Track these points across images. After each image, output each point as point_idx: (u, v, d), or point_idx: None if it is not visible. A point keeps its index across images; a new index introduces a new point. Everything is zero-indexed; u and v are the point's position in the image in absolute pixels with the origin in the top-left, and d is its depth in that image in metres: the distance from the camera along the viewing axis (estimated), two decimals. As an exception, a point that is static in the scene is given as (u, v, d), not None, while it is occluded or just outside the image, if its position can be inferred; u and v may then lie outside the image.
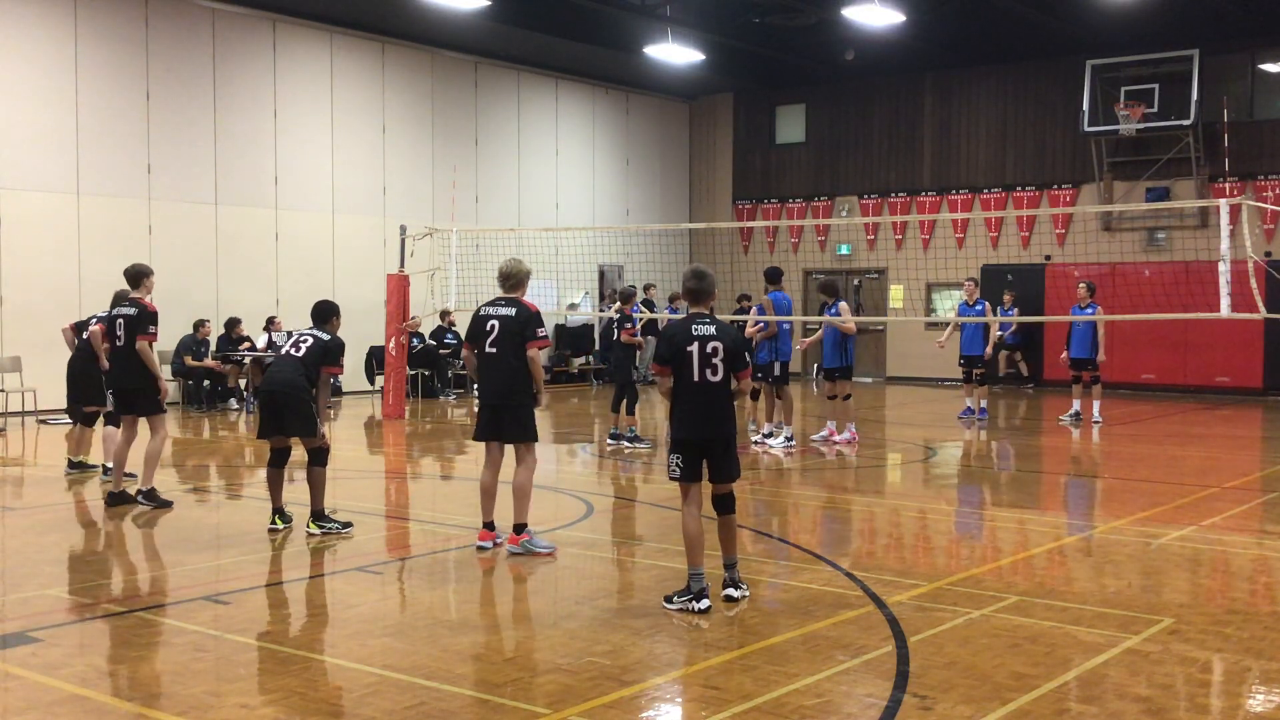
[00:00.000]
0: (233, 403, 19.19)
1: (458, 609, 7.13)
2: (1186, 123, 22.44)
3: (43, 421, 16.91)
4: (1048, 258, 24.49)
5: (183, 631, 6.39)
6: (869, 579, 7.51)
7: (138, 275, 10.59)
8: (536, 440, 8.38)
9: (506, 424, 8.28)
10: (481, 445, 8.53)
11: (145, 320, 10.28)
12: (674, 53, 22.95)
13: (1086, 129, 23.45)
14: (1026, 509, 10.78)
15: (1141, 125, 22.82)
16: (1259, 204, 19.36)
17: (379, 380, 19.96)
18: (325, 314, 9.30)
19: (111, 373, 10.65)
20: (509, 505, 8.31)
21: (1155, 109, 22.77)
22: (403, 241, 18.57)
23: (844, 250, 27.30)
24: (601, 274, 26.20)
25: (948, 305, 25.48)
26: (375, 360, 20.74)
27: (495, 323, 8.27)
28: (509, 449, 8.44)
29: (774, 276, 14.86)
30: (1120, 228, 24.05)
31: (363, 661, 5.84)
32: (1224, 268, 13.16)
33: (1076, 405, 17.53)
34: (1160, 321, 20.93)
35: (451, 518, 9.86)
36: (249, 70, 20.49)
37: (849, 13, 20.73)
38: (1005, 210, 25.20)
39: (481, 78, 24.35)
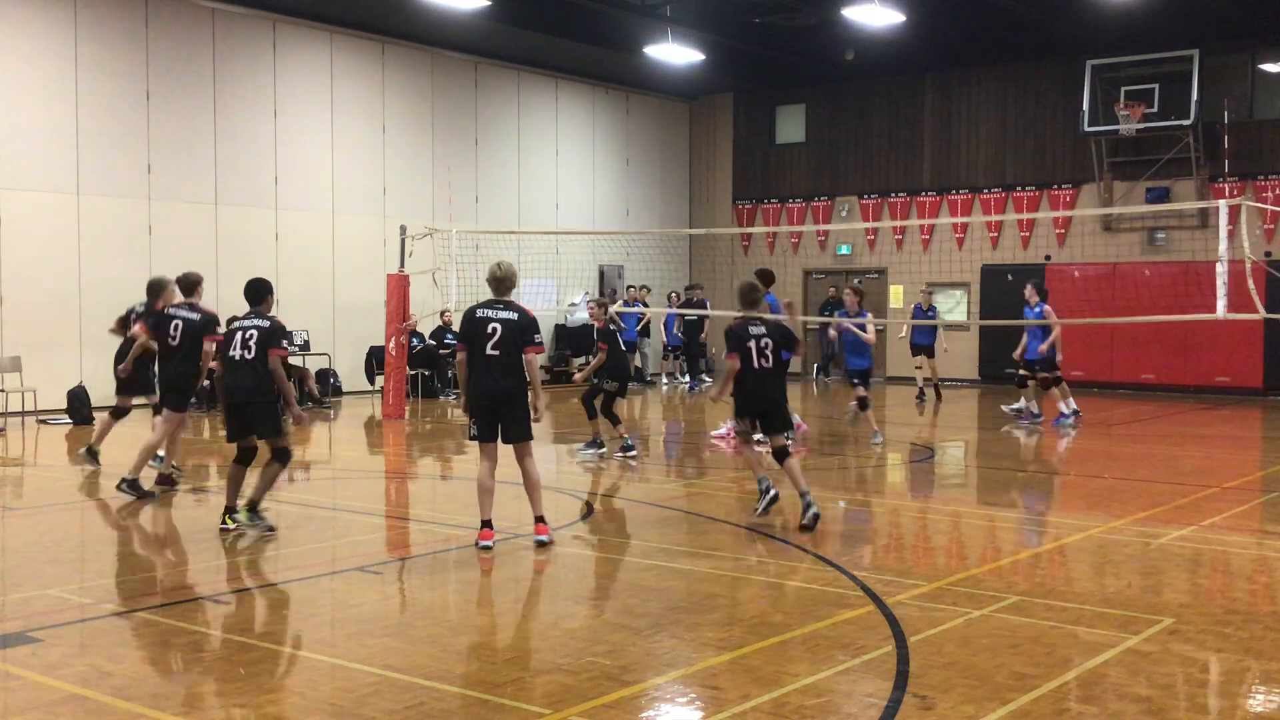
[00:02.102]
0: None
1: (458, 609, 7.14)
2: (1186, 123, 22.43)
3: (43, 421, 16.90)
4: (1048, 258, 24.50)
5: (183, 631, 6.39)
6: (869, 579, 7.51)
7: (184, 283, 10.52)
8: (532, 439, 8.57)
9: (508, 425, 8.43)
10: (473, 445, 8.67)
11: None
12: (674, 53, 22.95)
13: (1086, 129, 23.44)
14: (1026, 509, 10.78)
15: (1141, 125, 22.81)
16: (1259, 204, 19.37)
17: (379, 380, 19.96)
18: (260, 293, 9.16)
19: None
20: (499, 506, 8.30)
21: (1155, 109, 22.74)
22: (403, 241, 18.57)
23: (844, 250, 27.29)
24: (601, 274, 26.20)
25: (947, 306, 25.49)
26: (375, 360, 20.76)
27: (497, 325, 8.34)
28: (504, 447, 8.54)
29: (768, 280, 14.96)
30: (1120, 228, 24.04)
31: (363, 661, 5.84)
32: (1221, 268, 13.15)
33: (1025, 403, 17.48)
34: (1160, 321, 20.94)
35: (451, 518, 9.86)
36: (249, 70, 20.48)
37: (849, 13, 20.72)
38: (1005, 211, 25.20)
39: (481, 78, 24.35)
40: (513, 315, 8.40)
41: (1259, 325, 18.96)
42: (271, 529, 8.95)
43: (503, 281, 8.62)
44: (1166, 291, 20.43)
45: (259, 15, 20.55)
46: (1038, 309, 16.99)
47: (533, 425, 8.50)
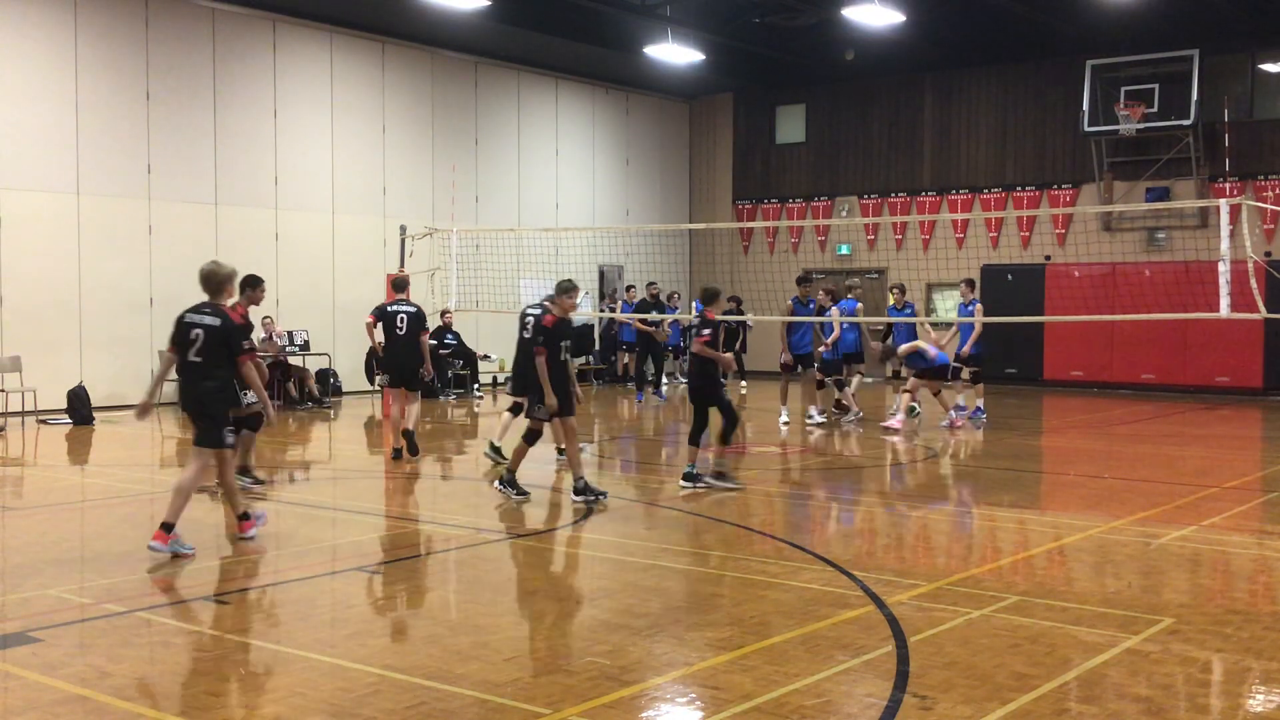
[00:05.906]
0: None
1: (458, 609, 7.13)
2: (1186, 123, 22.43)
3: (43, 421, 16.90)
4: (1048, 258, 24.50)
5: (183, 631, 6.38)
6: (869, 579, 7.51)
7: (401, 283, 13.53)
8: (223, 448, 8.29)
9: (201, 430, 8.28)
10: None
11: (422, 319, 13.10)
12: (674, 53, 22.95)
13: (1086, 129, 23.44)
14: (1026, 509, 10.78)
15: (1141, 125, 22.82)
16: (1259, 204, 19.37)
17: (379, 380, 19.94)
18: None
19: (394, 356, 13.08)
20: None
21: (1155, 109, 22.76)
22: (403, 241, 18.55)
23: (844, 250, 27.30)
24: (601, 274, 26.20)
25: (948, 305, 25.48)
26: (375, 360, 20.72)
27: (200, 331, 8.09)
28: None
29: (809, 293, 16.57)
30: (1120, 228, 24.05)
31: (363, 661, 5.84)
32: (1224, 268, 13.15)
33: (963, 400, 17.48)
34: (1160, 321, 20.93)
35: (451, 518, 9.86)
36: (249, 70, 20.48)
37: (849, 13, 20.74)
38: (1005, 210, 25.20)
39: (481, 78, 24.35)
40: (215, 321, 8.14)
41: (1259, 325, 18.97)
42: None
43: (207, 281, 8.30)
44: (1167, 291, 20.42)
45: (259, 15, 20.55)
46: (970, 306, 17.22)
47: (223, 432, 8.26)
